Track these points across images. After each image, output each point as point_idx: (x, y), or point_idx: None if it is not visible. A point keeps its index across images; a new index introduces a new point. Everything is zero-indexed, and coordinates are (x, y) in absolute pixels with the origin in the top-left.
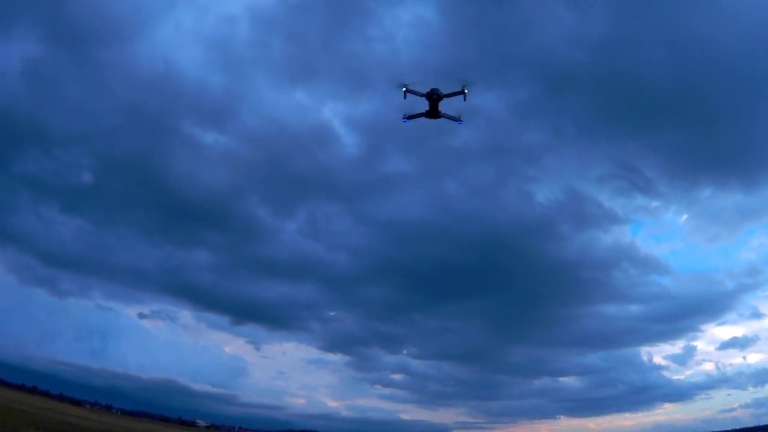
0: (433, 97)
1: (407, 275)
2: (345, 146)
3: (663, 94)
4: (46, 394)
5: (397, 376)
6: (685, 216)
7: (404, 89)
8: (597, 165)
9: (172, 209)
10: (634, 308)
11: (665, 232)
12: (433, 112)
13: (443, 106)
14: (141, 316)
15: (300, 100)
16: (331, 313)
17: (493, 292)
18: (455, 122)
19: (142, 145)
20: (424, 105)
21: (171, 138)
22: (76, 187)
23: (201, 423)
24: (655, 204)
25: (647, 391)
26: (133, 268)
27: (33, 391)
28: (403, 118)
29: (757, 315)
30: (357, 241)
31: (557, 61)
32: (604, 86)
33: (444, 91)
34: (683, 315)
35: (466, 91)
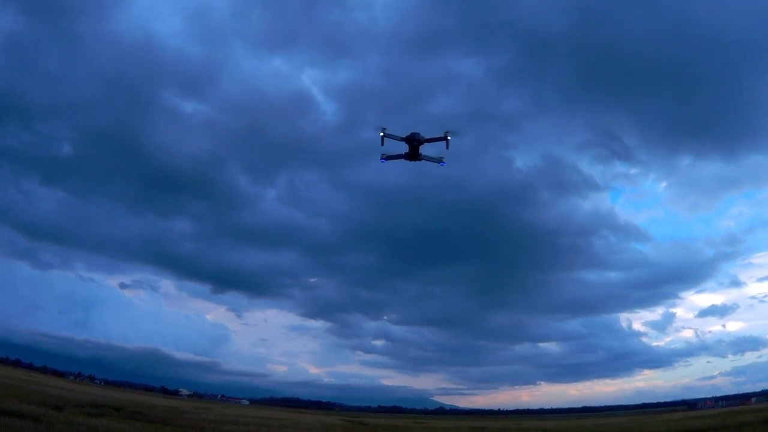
0: (414, 143)
1: (388, 241)
2: (324, 114)
3: (643, 63)
4: (29, 367)
5: (379, 342)
6: (664, 184)
7: (382, 134)
8: (576, 132)
9: (153, 179)
10: (613, 275)
11: (645, 199)
12: (413, 155)
13: (424, 149)
14: (122, 286)
15: (279, 68)
16: (312, 280)
17: (474, 258)
18: (437, 163)
19: (122, 116)
20: (403, 147)
21: (151, 108)
22: (57, 159)
23: (184, 392)
24: (634, 171)
25: (627, 358)
26: (114, 239)
27: (16, 364)
28: (381, 159)
29: (736, 283)
30: (337, 207)
31: (538, 29)
32: (585, 54)
33: (425, 135)
34: (663, 282)
35: (448, 138)
